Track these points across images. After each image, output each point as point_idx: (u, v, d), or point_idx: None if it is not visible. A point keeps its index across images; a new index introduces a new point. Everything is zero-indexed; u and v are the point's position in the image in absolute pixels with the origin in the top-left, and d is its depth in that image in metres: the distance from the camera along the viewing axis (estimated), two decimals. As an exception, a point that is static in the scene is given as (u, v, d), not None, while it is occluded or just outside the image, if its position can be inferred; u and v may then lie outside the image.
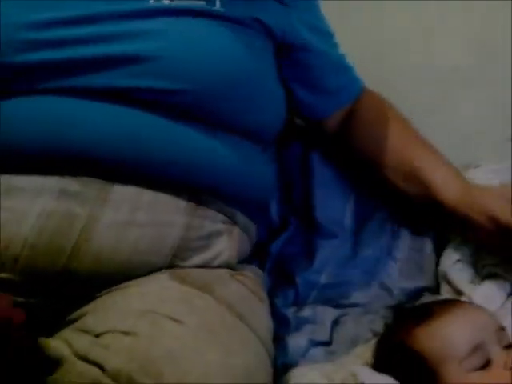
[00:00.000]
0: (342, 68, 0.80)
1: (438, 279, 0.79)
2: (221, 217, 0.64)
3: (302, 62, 0.74)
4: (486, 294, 0.71)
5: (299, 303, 0.80)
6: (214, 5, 0.62)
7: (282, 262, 0.82)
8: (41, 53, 0.55)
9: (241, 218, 0.67)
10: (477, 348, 0.58)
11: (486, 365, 0.58)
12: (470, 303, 0.69)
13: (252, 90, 0.64)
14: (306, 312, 0.78)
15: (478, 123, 0.99)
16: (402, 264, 0.82)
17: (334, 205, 0.84)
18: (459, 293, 0.74)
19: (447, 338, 0.60)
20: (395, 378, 0.60)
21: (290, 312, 0.78)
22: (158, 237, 0.57)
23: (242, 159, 0.65)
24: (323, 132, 0.82)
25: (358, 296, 0.80)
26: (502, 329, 0.62)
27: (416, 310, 0.71)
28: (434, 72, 1.00)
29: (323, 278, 0.82)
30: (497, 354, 0.58)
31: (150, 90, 0.57)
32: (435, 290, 0.79)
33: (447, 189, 0.73)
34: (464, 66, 0.99)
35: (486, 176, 0.88)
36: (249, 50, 0.64)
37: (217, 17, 0.62)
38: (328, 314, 0.78)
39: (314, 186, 0.83)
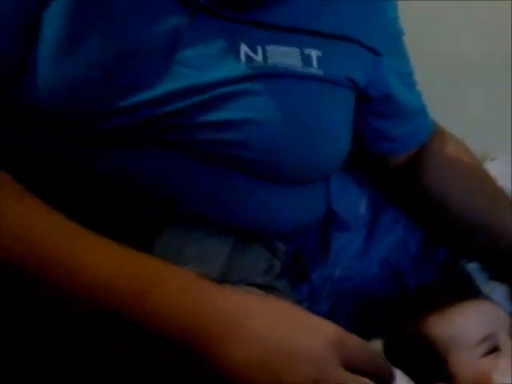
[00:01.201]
0: (418, 112, 0.76)
1: (454, 275, 0.80)
2: (264, 253, 0.64)
3: (380, 110, 0.71)
4: (505, 293, 0.72)
5: (314, 297, 0.79)
6: (311, 65, 0.59)
7: (297, 256, 0.80)
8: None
9: (281, 246, 0.67)
10: (486, 338, 0.62)
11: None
12: (483, 299, 0.70)
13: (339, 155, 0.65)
14: (322, 306, 0.78)
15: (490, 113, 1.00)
16: (416, 259, 0.82)
17: (349, 196, 0.83)
18: (477, 290, 0.74)
19: (458, 327, 0.63)
20: (407, 369, 0.62)
21: (304, 307, 0.77)
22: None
23: (297, 203, 0.63)
24: (385, 167, 0.79)
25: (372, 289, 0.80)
26: None
27: (428, 301, 0.72)
28: (446, 62, 1.00)
29: (338, 271, 0.81)
30: (506, 343, 0.61)
31: (242, 157, 0.56)
32: (448, 285, 0.80)
33: None
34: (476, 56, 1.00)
35: (500, 169, 0.88)
36: (345, 115, 0.64)
37: (316, 79, 0.59)
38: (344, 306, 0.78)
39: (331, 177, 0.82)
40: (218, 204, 0.57)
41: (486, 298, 0.72)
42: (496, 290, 0.73)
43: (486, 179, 0.78)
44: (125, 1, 0.52)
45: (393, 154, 0.77)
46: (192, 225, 0.56)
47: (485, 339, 0.61)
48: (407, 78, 0.74)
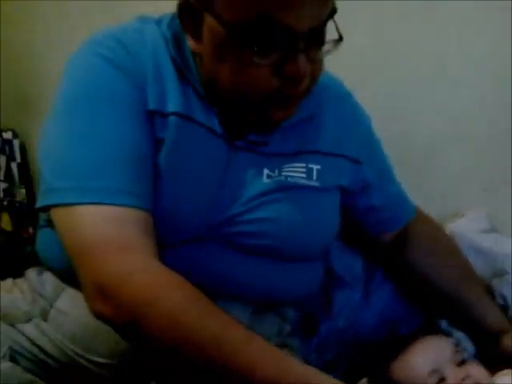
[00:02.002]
0: (398, 200, 0.93)
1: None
2: (276, 319, 0.82)
3: (362, 199, 0.89)
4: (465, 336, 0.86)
5: (321, 348, 0.91)
6: (312, 178, 0.79)
7: (307, 314, 0.93)
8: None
9: (289, 312, 0.85)
10: (434, 371, 0.75)
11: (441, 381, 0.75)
12: (432, 335, 0.83)
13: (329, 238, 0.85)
14: (328, 355, 0.91)
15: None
16: (407, 310, 0.97)
17: (346, 258, 0.98)
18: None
19: (411, 367, 0.78)
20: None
21: (312, 358, 0.89)
22: None
23: (302, 277, 0.83)
24: (374, 244, 0.96)
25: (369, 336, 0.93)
26: (457, 350, 0.78)
27: (393, 347, 0.84)
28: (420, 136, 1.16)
29: (341, 323, 0.94)
30: (450, 372, 0.75)
31: (270, 247, 0.76)
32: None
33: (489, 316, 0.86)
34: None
35: (467, 225, 1.04)
36: (334, 212, 0.84)
37: (315, 190, 0.79)
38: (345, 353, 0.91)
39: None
40: (241, 282, 0.76)
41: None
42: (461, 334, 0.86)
43: (458, 256, 0.95)
44: (196, 149, 0.73)
45: (378, 234, 0.94)
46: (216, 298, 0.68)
47: (433, 372, 0.75)
48: (385, 173, 0.92)
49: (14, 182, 1.67)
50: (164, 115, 0.70)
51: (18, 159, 1.67)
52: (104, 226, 0.63)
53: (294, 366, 0.58)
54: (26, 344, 0.78)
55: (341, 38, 0.66)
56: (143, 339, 0.60)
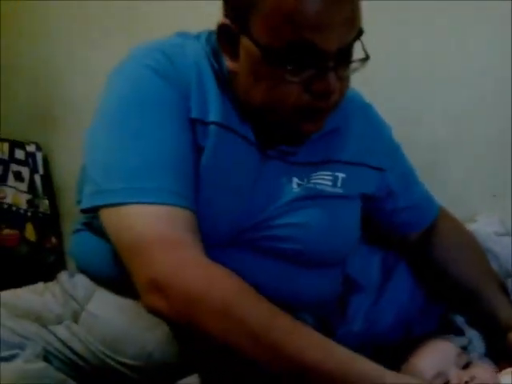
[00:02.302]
0: (422, 201, 0.98)
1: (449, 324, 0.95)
2: None
3: (389, 203, 0.94)
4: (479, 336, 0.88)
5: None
6: (337, 185, 0.84)
7: (324, 319, 0.95)
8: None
9: (307, 317, 0.88)
10: (438, 374, 0.78)
11: None
12: (439, 339, 0.85)
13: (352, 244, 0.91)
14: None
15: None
16: (421, 312, 0.99)
17: (363, 262, 1.01)
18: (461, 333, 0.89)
19: (417, 371, 0.79)
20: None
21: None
22: None
23: (321, 283, 0.87)
24: (402, 244, 1.01)
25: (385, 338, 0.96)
26: (463, 353, 0.80)
27: (405, 350, 0.86)
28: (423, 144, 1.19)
29: (355, 327, 0.97)
30: (454, 375, 0.77)
31: (298, 251, 0.81)
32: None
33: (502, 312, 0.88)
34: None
35: (483, 228, 1.06)
36: (354, 221, 0.89)
37: (339, 197, 0.84)
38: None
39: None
40: (268, 287, 0.76)
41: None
42: (474, 333, 0.89)
43: (479, 252, 0.99)
44: (232, 156, 0.78)
45: (405, 234, 0.99)
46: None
47: (438, 375, 0.78)
48: (409, 177, 0.97)
49: (38, 193, 1.72)
50: (205, 123, 0.76)
51: (41, 171, 1.72)
52: (157, 225, 0.68)
53: (339, 348, 0.64)
54: (58, 345, 0.81)
55: (367, 57, 0.72)
56: (196, 329, 0.64)
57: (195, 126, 0.75)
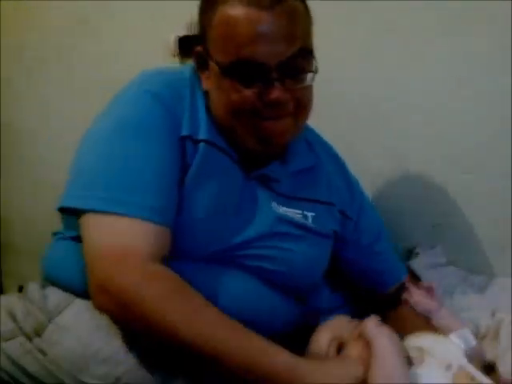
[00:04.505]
0: (389, 255, 1.05)
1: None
2: None
3: (351, 252, 1.03)
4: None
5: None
6: (307, 219, 0.92)
7: None
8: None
9: None
10: (331, 340, 0.77)
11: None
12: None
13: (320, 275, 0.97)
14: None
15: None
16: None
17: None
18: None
19: (314, 341, 0.79)
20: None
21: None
22: None
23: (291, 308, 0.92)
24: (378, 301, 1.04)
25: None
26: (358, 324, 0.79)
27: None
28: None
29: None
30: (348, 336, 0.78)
31: (281, 273, 0.87)
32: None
33: None
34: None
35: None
36: (326, 255, 0.96)
37: (309, 230, 0.91)
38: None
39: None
40: (243, 303, 0.82)
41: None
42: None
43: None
44: (217, 173, 0.84)
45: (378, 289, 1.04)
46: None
47: (331, 341, 0.77)
48: (377, 234, 1.05)
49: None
50: (195, 141, 0.84)
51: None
52: (120, 236, 0.74)
53: (257, 339, 0.69)
54: (5, 363, 0.75)
55: (316, 71, 0.83)
56: (130, 323, 0.71)
57: (185, 143, 0.83)
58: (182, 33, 1.44)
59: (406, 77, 1.25)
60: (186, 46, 1.43)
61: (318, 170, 0.97)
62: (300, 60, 0.81)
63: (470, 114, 1.19)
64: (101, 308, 0.73)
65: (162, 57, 1.50)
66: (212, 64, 0.83)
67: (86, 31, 1.65)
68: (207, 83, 0.86)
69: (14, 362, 0.75)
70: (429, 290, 1.00)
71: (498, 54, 1.14)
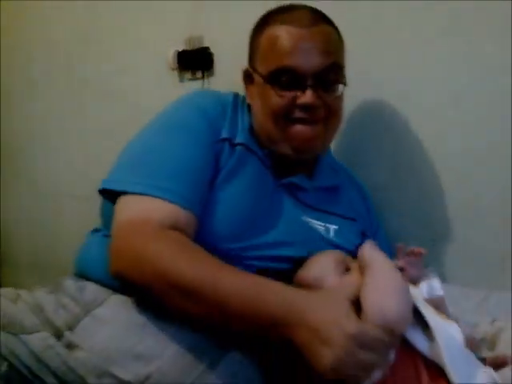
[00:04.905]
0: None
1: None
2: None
3: None
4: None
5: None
6: (329, 233, 0.99)
7: None
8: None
9: None
10: (315, 279, 0.82)
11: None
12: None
13: None
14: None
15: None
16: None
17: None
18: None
19: (300, 278, 0.86)
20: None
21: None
22: None
23: None
24: None
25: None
26: (343, 262, 0.84)
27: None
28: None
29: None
30: (329, 280, 0.81)
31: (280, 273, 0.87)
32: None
33: None
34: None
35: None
36: None
37: (332, 244, 0.96)
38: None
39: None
40: None
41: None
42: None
43: None
44: (249, 182, 0.94)
45: None
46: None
47: (315, 280, 0.82)
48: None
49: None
50: (233, 145, 0.95)
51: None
52: (145, 212, 0.81)
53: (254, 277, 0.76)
54: (26, 358, 0.76)
55: (345, 84, 0.97)
56: (143, 277, 0.76)
57: (224, 145, 0.94)
58: (181, 47, 1.53)
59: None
60: (184, 60, 1.53)
61: (342, 192, 1.07)
62: (332, 73, 0.95)
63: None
64: (116, 271, 0.79)
65: (161, 70, 1.54)
66: (256, 77, 0.98)
67: (88, 46, 1.69)
68: (251, 95, 1.00)
69: (36, 357, 0.76)
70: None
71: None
